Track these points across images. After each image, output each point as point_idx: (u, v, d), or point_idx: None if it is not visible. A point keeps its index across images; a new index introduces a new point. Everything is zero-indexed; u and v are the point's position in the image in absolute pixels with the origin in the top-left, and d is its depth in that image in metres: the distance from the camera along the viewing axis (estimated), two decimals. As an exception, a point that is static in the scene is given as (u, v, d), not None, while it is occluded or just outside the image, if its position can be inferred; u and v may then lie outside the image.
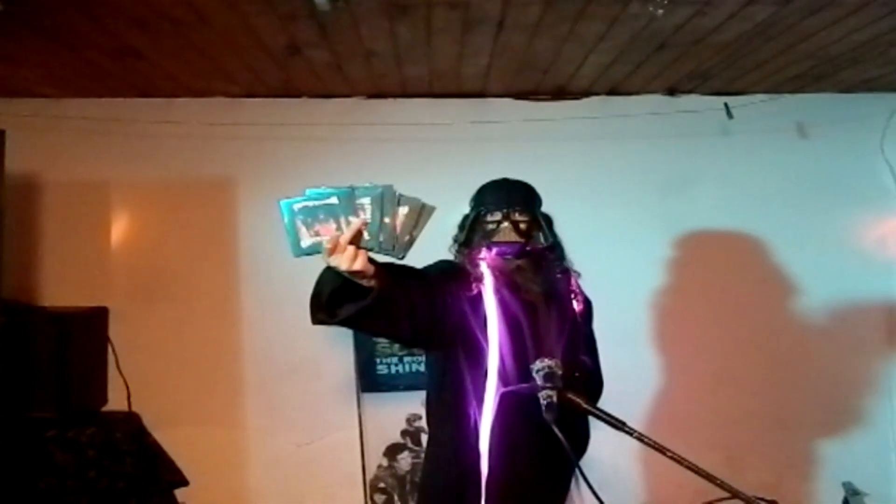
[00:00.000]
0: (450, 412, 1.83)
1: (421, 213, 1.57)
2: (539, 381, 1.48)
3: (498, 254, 1.88)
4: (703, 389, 3.21)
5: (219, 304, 3.32)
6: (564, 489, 1.95)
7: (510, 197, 1.96)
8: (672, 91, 3.22)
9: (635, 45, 2.53)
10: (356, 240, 1.53)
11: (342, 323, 1.65)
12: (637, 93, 3.22)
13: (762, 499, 1.32)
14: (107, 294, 3.19)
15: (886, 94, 3.23)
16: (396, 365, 3.28)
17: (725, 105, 3.10)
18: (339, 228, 1.53)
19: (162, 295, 3.27)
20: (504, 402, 1.71)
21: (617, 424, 1.40)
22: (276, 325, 3.28)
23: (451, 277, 1.85)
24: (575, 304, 1.96)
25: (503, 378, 1.73)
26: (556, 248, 1.98)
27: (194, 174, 3.29)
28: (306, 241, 1.55)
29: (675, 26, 2.31)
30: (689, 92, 3.22)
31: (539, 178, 3.43)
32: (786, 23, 2.28)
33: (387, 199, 1.55)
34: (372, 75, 2.92)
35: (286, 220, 1.55)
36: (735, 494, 1.32)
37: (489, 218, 1.94)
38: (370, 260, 1.57)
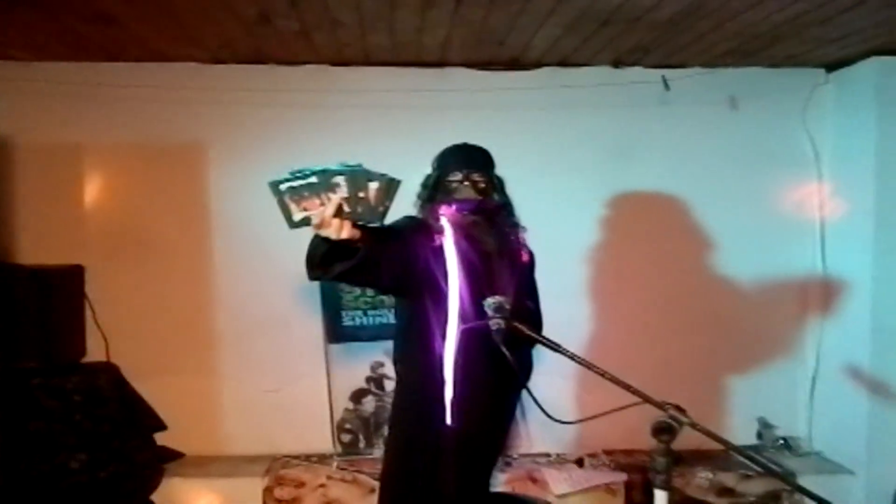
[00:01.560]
0: (418, 348, 2.09)
1: (389, 186, 1.79)
2: (490, 313, 1.74)
3: (457, 209, 2.11)
4: (636, 337, 3.53)
5: (191, 261, 3.50)
6: (513, 409, 2.25)
7: (469, 159, 2.18)
8: (617, 63, 3.47)
9: (582, 21, 2.76)
10: (339, 213, 1.75)
11: (334, 278, 1.91)
12: (585, 64, 3.45)
13: (668, 403, 1.58)
14: (82, 252, 3.33)
15: (809, 70, 3.52)
16: (361, 318, 3.51)
17: (663, 77, 3.38)
18: (321, 203, 1.74)
19: (136, 253, 3.43)
20: (464, 336, 1.98)
21: (553, 347, 1.67)
22: (248, 281, 3.48)
23: (417, 231, 2.09)
24: (523, 255, 2.22)
25: (463, 317, 1.99)
26: (507, 206, 2.22)
27: (165, 137, 3.42)
28: (297, 216, 1.76)
29: (616, 5, 2.55)
30: (633, 64, 3.46)
31: (494, 142, 3.71)
32: (714, 4, 2.53)
33: (358, 177, 1.75)
34: (337, 44, 3.08)
35: (276, 198, 1.74)
36: (646, 400, 1.59)
37: (450, 178, 2.15)
38: (356, 224, 1.80)
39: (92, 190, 3.44)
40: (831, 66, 3.50)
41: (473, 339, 1.96)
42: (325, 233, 1.76)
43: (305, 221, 1.76)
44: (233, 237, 3.47)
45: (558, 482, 3.30)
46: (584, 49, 3.20)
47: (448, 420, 1.97)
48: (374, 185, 1.77)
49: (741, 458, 3.37)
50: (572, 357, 1.64)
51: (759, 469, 3.22)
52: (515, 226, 2.24)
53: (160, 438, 3.35)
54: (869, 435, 3.30)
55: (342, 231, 1.76)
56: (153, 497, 3.16)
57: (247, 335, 3.51)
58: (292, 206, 1.75)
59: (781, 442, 3.61)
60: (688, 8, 2.58)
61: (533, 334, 1.66)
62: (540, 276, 3.15)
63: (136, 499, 3.10)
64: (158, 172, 3.45)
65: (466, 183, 2.13)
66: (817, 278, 3.59)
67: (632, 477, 3.32)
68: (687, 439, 2.89)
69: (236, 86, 3.36)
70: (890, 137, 3.21)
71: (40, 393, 2.96)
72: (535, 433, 3.54)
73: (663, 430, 1.59)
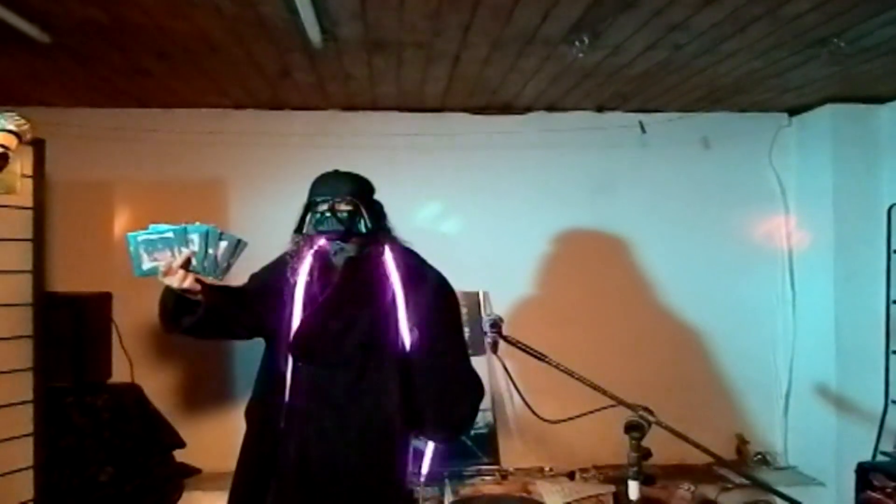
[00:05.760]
0: (262, 385, 2.20)
1: (237, 246, 2.00)
2: (486, 328, 2.02)
3: (327, 239, 2.10)
4: (624, 358, 3.79)
5: (210, 289, 3.78)
6: (371, 445, 2.10)
7: (336, 188, 2.11)
8: (600, 108, 3.82)
9: (565, 75, 3.11)
10: (186, 265, 1.92)
11: (184, 332, 2.04)
12: (571, 109, 3.80)
13: (638, 405, 1.86)
14: (110, 280, 3.60)
15: (773, 114, 3.88)
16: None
17: (640, 122, 3.74)
18: (173, 256, 1.93)
19: (157, 281, 3.70)
20: (301, 374, 2.06)
21: (539, 356, 1.95)
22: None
23: (274, 273, 2.17)
24: (396, 282, 2.11)
25: (303, 353, 2.06)
26: (378, 232, 2.14)
27: (188, 175, 3.74)
28: (146, 265, 1.95)
29: (594, 63, 2.90)
30: (614, 109, 3.81)
31: (488, 180, 4.08)
32: (679, 62, 2.88)
33: (211, 236, 1.95)
34: (348, 93, 3.43)
35: (132, 248, 1.95)
36: (620, 402, 1.87)
37: (318, 208, 2.10)
38: (200, 282, 1.96)
39: (120, 223, 3.74)
40: (793, 111, 3.86)
41: (310, 377, 2.05)
42: (167, 280, 1.92)
43: (152, 271, 1.94)
44: (249, 265, 3.74)
45: (551, 494, 3.54)
46: (569, 97, 3.55)
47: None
48: (223, 244, 1.97)
49: (721, 471, 3.65)
50: (556, 365, 1.93)
51: (736, 480, 3.52)
52: (381, 252, 2.15)
53: (179, 455, 3.59)
54: (837, 448, 3.57)
55: (184, 281, 1.90)
56: (174, 508, 3.39)
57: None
58: (144, 256, 1.94)
59: (759, 457, 3.87)
60: (657, 65, 2.93)
61: (519, 344, 1.95)
62: (531, 301, 3.44)
63: (159, 511, 3.34)
64: (182, 208, 3.73)
65: (329, 214, 2.08)
66: (787, 303, 3.90)
67: (619, 489, 3.56)
68: (671, 454, 3.18)
69: (255, 129, 3.69)
70: (844, 176, 3.57)
71: (73, 410, 3.20)
72: (530, 449, 3.83)
73: (634, 428, 1.86)
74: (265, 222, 3.69)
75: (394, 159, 3.72)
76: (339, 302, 2.10)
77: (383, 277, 2.11)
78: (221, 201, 3.76)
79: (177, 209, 3.74)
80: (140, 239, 1.94)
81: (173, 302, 1.99)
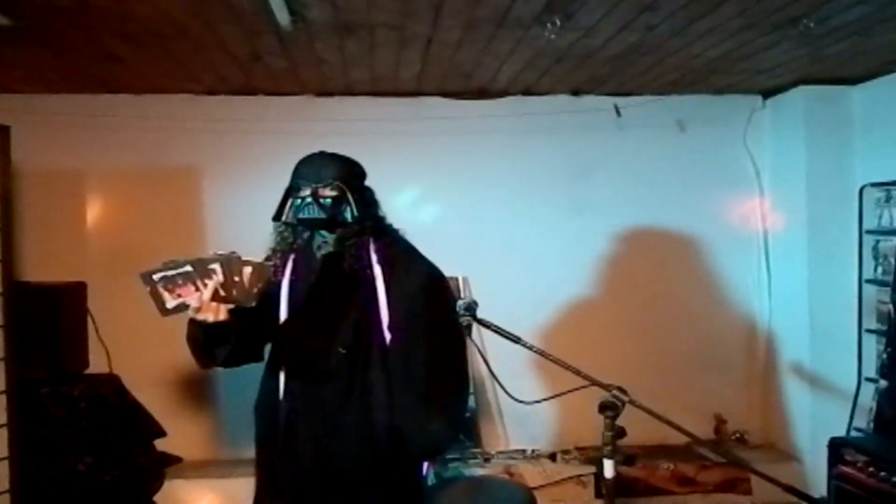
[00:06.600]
0: (262, 388, 2.13)
1: (262, 270, 1.89)
2: (461, 312, 1.97)
3: (309, 228, 1.99)
4: (603, 339, 3.82)
5: (186, 277, 3.75)
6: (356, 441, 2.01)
7: (320, 172, 1.96)
8: (576, 92, 3.82)
9: (539, 58, 3.10)
10: (216, 297, 1.79)
11: (221, 364, 1.95)
12: (547, 93, 3.80)
13: (612, 385, 1.86)
14: (85, 270, 3.56)
15: (748, 96, 3.90)
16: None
17: (615, 106, 3.75)
18: (197, 289, 1.79)
19: (134, 270, 3.60)
20: (292, 382, 1.99)
21: (514, 338, 1.95)
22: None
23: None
24: (378, 278, 1.98)
25: (291, 354, 1.99)
26: (366, 221, 2.00)
27: (162, 162, 3.70)
28: (171, 303, 1.82)
29: (567, 45, 2.89)
30: (590, 93, 3.81)
31: (465, 165, 4.07)
32: (653, 43, 2.88)
33: (233, 263, 1.83)
34: (321, 78, 3.40)
35: (148, 288, 1.82)
36: (594, 383, 1.87)
37: (299, 193, 1.96)
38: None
39: (93, 212, 3.70)
40: (767, 93, 3.88)
41: (301, 384, 2.00)
42: (201, 316, 1.78)
43: (180, 308, 1.82)
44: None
45: (533, 475, 3.57)
46: (543, 80, 3.54)
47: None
48: (248, 270, 1.84)
49: (700, 450, 3.69)
50: (530, 347, 1.92)
51: (714, 459, 3.57)
52: (366, 243, 2.01)
53: (160, 444, 3.56)
54: (812, 426, 3.63)
55: (219, 314, 1.79)
56: (156, 498, 3.37)
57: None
58: (165, 295, 1.81)
59: (737, 435, 3.92)
60: (630, 47, 2.93)
61: (493, 326, 1.94)
62: (511, 285, 3.40)
63: (140, 501, 3.32)
64: (155, 195, 3.72)
65: (310, 200, 1.94)
66: (763, 283, 3.95)
67: (600, 469, 3.59)
68: (651, 434, 3.20)
69: (228, 115, 3.65)
70: (817, 157, 3.61)
71: (49, 401, 3.16)
72: (511, 432, 3.86)
73: (608, 407, 1.86)
74: (240, 210, 3.67)
75: (369, 145, 3.67)
76: (318, 309, 1.99)
77: (364, 274, 1.97)
78: (195, 189, 3.73)
79: (150, 197, 3.75)
80: (157, 277, 1.81)
81: (203, 335, 1.86)
